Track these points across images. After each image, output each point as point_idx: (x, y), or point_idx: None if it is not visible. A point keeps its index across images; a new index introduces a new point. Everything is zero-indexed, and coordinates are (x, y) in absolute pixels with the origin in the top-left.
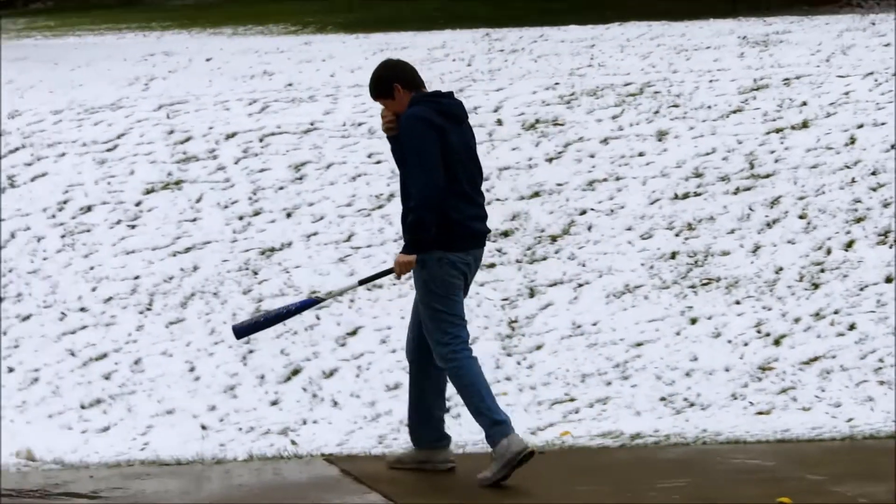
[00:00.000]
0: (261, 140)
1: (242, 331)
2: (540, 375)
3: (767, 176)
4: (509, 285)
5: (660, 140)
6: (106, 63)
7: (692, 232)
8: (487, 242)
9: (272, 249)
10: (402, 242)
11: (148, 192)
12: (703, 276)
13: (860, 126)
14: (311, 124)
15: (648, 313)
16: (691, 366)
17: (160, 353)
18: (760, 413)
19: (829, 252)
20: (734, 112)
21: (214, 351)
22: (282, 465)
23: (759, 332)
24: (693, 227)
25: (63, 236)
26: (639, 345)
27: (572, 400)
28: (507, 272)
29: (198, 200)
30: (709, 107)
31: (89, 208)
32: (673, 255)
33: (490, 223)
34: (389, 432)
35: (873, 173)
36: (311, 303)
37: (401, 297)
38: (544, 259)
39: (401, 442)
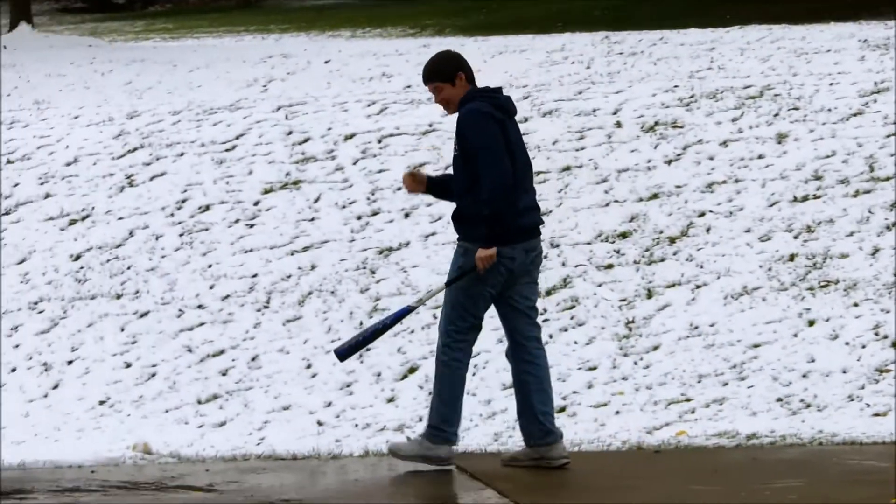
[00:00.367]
0: (379, 141)
1: (344, 353)
2: (656, 375)
3: (887, 179)
4: (627, 286)
5: (779, 143)
6: (224, 65)
7: (811, 234)
8: (605, 243)
9: (390, 249)
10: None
11: (266, 191)
12: (822, 279)
13: None
14: (430, 126)
15: (766, 315)
16: (808, 367)
17: (277, 351)
18: (877, 415)
19: None
20: (854, 115)
21: (331, 349)
22: (397, 462)
23: (876, 334)
24: (812, 229)
25: (181, 235)
26: (756, 346)
27: (688, 400)
28: (625, 273)
29: (316, 200)
30: (829, 110)
31: (207, 207)
32: (791, 258)
33: (608, 224)
34: (505, 430)
35: None
36: (404, 312)
37: None
38: (662, 260)
39: (516, 440)
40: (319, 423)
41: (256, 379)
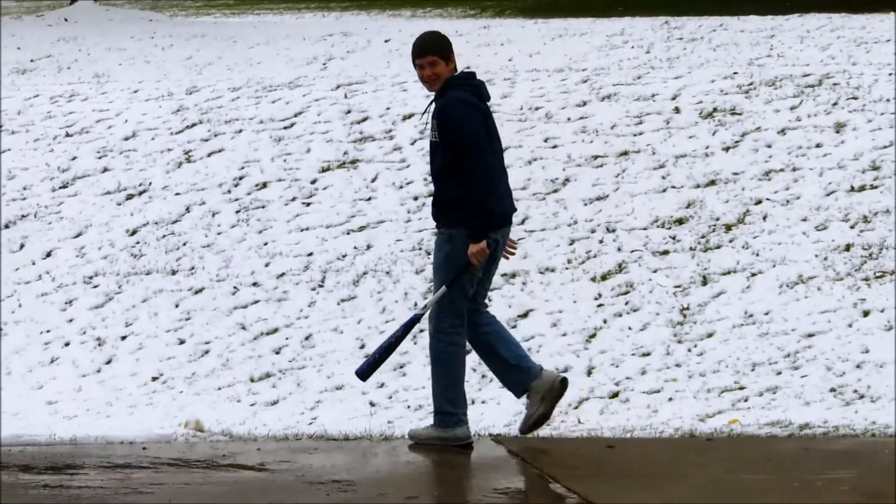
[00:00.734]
0: None
1: (363, 372)
2: (710, 363)
3: None
4: (682, 273)
5: (837, 132)
6: (284, 42)
7: (867, 224)
8: (661, 229)
9: None
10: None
11: (324, 170)
12: (878, 269)
13: None
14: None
15: (821, 304)
16: (862, 358)
17: (331, 330)
18: None
19: None
20: None
21: (385, 329)
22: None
23: None
24: (868, 219)
25: (238, 212)
26: (810, 335)
27: (742, 388)
28: (681, 259)
29: (373, 180)
30: (888, 100)
31: (265, 185)
32: (847, 248)
33: (665, 210)
34: (557, 414)
35: None
36: (412, 321)
37: (574, 282)
38: (718, 248)
39: (568, 424)
40: (372, 404)
41: (310, 358)
